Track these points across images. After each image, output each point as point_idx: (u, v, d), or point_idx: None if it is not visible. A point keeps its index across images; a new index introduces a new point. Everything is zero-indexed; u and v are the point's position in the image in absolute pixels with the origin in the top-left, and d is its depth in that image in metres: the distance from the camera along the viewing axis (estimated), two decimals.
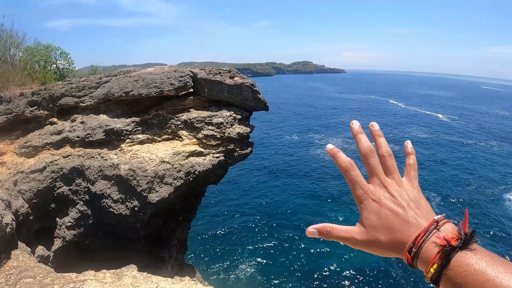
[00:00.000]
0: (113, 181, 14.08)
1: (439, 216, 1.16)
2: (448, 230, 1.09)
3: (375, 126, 1.47)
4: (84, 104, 16.18)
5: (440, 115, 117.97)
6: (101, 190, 14.08)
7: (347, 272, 30.12)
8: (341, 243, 1.30)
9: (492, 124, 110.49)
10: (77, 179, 14.81)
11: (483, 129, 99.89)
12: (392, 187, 1.28)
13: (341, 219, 38.76)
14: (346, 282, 28.67)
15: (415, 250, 1.08)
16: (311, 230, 1.33)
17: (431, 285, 1.11)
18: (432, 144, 75.63)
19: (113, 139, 15.16)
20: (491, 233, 38.83)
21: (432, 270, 1.02)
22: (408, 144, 1.51)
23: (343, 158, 1.40)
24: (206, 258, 30.21)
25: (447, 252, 1.01)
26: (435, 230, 1.09)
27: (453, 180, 54.23)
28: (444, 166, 61.00)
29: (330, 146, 1.44)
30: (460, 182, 53.58)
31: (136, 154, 14.47)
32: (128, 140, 15.08)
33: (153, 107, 16.10)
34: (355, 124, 1.45)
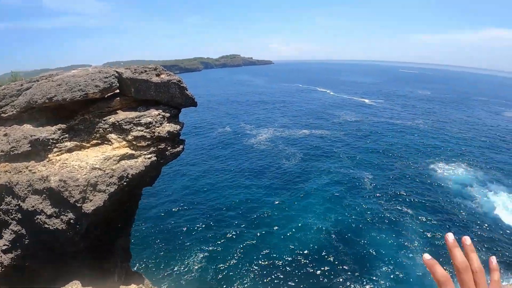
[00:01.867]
0: (44, 195, 13.15)
1: None
2: None
3: (467, 240, 1.59)
4: (6, 115, 14.87)
5: (366, 100, 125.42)
6: (33, 206, 13.09)
7: (292, 260, 31.40)
8: None
9: (416, 103, 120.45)
10: (6, 197, 13.61)
11: (408, 109, 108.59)
12: None
13: (277, 202, 40.10)
14: (294, 271, 29.90)
15: None
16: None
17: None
18: (362, 126, 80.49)
19: (40, 149, 14.14)
20: (423, 199, 42.68)
21: None
22: (493, 260, 1.60)
23: (441, 272, 1.51)
24: (154, 262, 29.68)
25: None
26: None
27: (385, 157, 58.42)
28: (376, 145, 65.37)
29: (427, 257, 1.58)
30: (392, 158, 57.89)
31: (65, 163, 13.67)
32: (55, 149, 14.19)
33: (79, 112, 15.27)
34: (450, 238, 1.59)
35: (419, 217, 38.55)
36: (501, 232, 36.59)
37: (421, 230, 36.10)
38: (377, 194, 43.94)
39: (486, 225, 37.83)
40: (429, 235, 35.30)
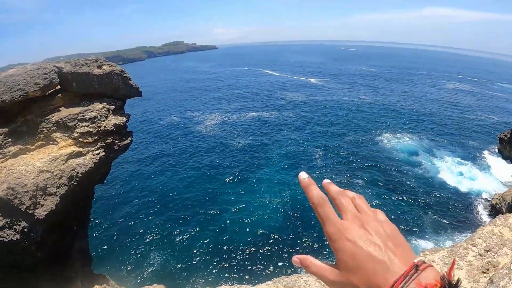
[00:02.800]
0: None
1: (419, 259, 1.02)
2: (430, 276, 0.95)
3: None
4: None
5: (312, 79, 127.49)
6: None
7: (251, 241, 31.91)
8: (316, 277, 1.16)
9: (361, 80, 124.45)
10: None
11: (354, 86, 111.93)
12: (368, 223, 1.16)
13: (231, 187, 40.37)
14: (252, 249, 30.42)
15: None
16: (295, 259, 1.23)
17: None
18: (310, 105, 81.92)
19: None
20: (372, 170, 44.65)
21: None
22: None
23: (316, 192, 1.24)
24: (116, 261, 28.81)
25: None
26: (415, 275, 0.96)
27: (333, 133, 60.15)
28: (324, 122, 67.00)
29: (303, 175, 1.29)
30: (340, 133, 59.70)
31: (11, 169, 12.67)
32: (0, 156, 13.15)
33: (20, 114, 14.20)
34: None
35: (369, 187, 40.29)
36: (447, 194, 39.19)
37: (371, 199, 37.82)
38: (328, 169, 45.16)
39: (432, 188, 40.26)
40: (378, 203, 37.01)
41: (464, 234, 31.89)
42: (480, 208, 36.77)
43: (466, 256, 9.54)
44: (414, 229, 32.99)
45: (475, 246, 9.82)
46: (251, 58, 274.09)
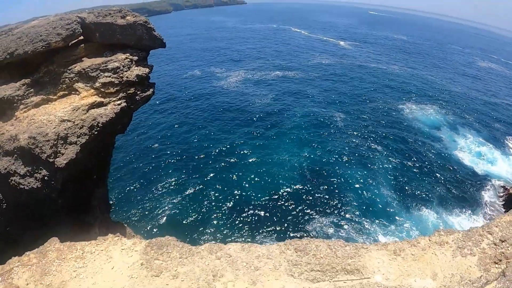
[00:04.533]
0: (15, 155, 12.31)
1: None
2: None
3: None
4: None
5: (341, 42, 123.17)
6: (6, 168, 12.27)
7: (268, 198, 32.21)
8: None
9: (392, 47, 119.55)
10: None
11: (383, 52, 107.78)
12: None
13: (250, 142, 40.43)
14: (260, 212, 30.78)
15: None
16: None
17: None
18: (336, 68, 79.76)
19: (5, 108, 13.06)
20: (392, 138, 43.92)
21: None
22: None
23: None
24: (133, 210, 29.83)
25: None
26: None
27: (357, 98, 58.85)
28: (349, 87, 65.41)
29: None
30: (364, 99, 58.36)
31: (33, 119, 12.79)
32: (22, 106, 13.21)
33: (43, 64, 14.15)
34: None
35: (387, 155, 40.02)
36: (463, 172, 38.62)
37: (387, 166, 37.68)
38: (348, 132, 44.88)
39: (449, 164, 39.66)
40: (394, 171, 37.06)
41: (472, 217, 32.01)
42: (493, 193, 36.21)
43: (481, 243, 9.31)
44: (424, 200, 33.19)
45: (491, 234, 9.55)
46: (280, 15, 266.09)
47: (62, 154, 12.72)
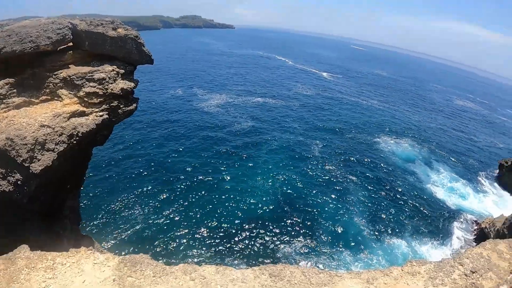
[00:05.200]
0: None
1: None
2: None
3: None
4: None
5: (324, 73, 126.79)
6: None
7: (240, 222, 32.02)
8: None
9: (371, 82, 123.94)
10: None
11: (363, 86, 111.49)
12: None
13: (225, 166, 40.33)
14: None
15: None
16: None
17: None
18: (317, 99, 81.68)
19: None
20: (367, 169, 44.81)
21: None
22: None
23: None
24: (103, 226, 29.03)
25: None
26: None
27: (336, 129, 60.12)
28: (328, 118, 66.89)
29: None
30: (342, 130, 59.72)
31: (12, 120, 12.48)
32: (3, 106, 12.88)
33: (29, 65, 14.01)
34: None
35: (361, 185, 40.85)
36: (435, 205, 39.86)
37: (361, 196, 38.42)
38: (324, 161, 45.56)
39: (421, 197, 40.83)
40: (367, 201, 37.75)
41: (443, 248, 32.88)
42: (464, 226, 37.47)
43: (452, 274, 9.57)
44: (396, 230, 33.85)
45: (461, 265, 9.86)
46: (266, 42, 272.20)
47: (38, 160, 12.42)
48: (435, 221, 36.70)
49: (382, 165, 47.21)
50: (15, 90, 13.23)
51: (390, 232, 33.33)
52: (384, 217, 35.57)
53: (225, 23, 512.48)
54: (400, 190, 41.19)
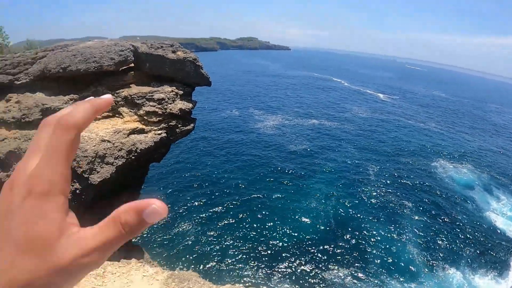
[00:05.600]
0: None
1: None
2: None
3: None
4: (19, 82, 14.59)
5: (381, 95, 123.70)
6: None
7: (289, 244, 31.50)
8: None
9: (430, 104, 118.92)
10: (14, 164, 13.67)
11: (421, 108, 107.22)
12: None
13: (279, 187, 40.04)
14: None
15: None
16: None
17: None
18: (373, 121, 79.59)
19: None
20: (424, 195, 42.56)
21: None
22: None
23: None
24: (154, 238, 29.89)
25: None
26: None
27: (392, 152, 58.02)
28: (384, 141, 64.79)
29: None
30: (399, 154, 57.49)
31: None
32: None
33: (92, 83, 15.16)
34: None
35: (415, 211, 38.68)
36: (491, 234, 36.64)
37: (415, 223, 36.31)
38: (379, 186, 43.84)
39: (478, 226, 37.74)
40: (421, 227, 35.70)
41: (500, 280, 30.52)
42: None
43: None
44: (451, 260, 31.74)
45: None
46: (322, 64, 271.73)
47: (97, 172, 13.23)
48: (493, 252, 33.80)
49: (438, 190, 44.62)
50: None
51: (444, 261, 31.22)
52: (439, 245, 33.44)
53: (281, 45, 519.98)
54: (456, 217, 38.59)
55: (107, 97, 0.97)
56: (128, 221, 0.79)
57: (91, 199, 13.48)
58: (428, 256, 31.68)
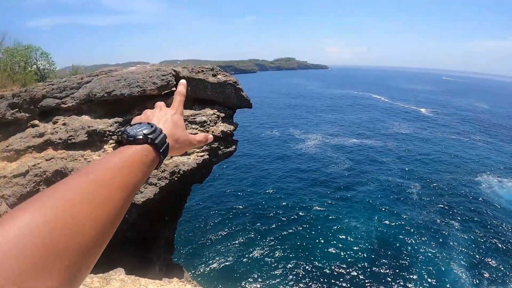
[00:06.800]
0: None
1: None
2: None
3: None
4: (66, 105, 15.81)
5: (422, 109, 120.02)
6: None
7: (329, 263, 30.74)
8: None
9: (473, 116, 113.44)
10: None
11: (465, 121, 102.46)
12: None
13: (321, 206, 39.39)
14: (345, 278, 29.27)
15: None
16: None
17: None
18: (415, 137, 77.18)
19: (96, 140, 14.89)
20: (471, 214, 40.36)
21: None
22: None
23: None
24: (194, 257, 30.28)
25: None
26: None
27: (437, 170, 55.76)
28: (429, 158, 62.46)
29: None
30: (443, 171, 55.11)
31: None
32: (111, 141, 14.82)
33: (136, 107, 15.94)
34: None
35: (461, 230, 36.71)
36: None
37: (461, 242, 34.43)
38: (423, 204, 42.26)
39: None
40: (467, 246, 33.86)
41: None
42: None
43: None
44: (498, 281, 29.48)
45: None
46: (361, 81, 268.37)
47: (141, 192, 13.77)
48: None
49: (484, 207, 42.17)
50: (122, 128, 14.96)
51: (491, 282, 29.10)
52: (485, 265, 31.38)
53: (319, 64, 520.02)
54: (505, 235, 36.10)
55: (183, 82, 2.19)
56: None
57: (134, 218, 13.99)
58: (474, 276, 29.79)
